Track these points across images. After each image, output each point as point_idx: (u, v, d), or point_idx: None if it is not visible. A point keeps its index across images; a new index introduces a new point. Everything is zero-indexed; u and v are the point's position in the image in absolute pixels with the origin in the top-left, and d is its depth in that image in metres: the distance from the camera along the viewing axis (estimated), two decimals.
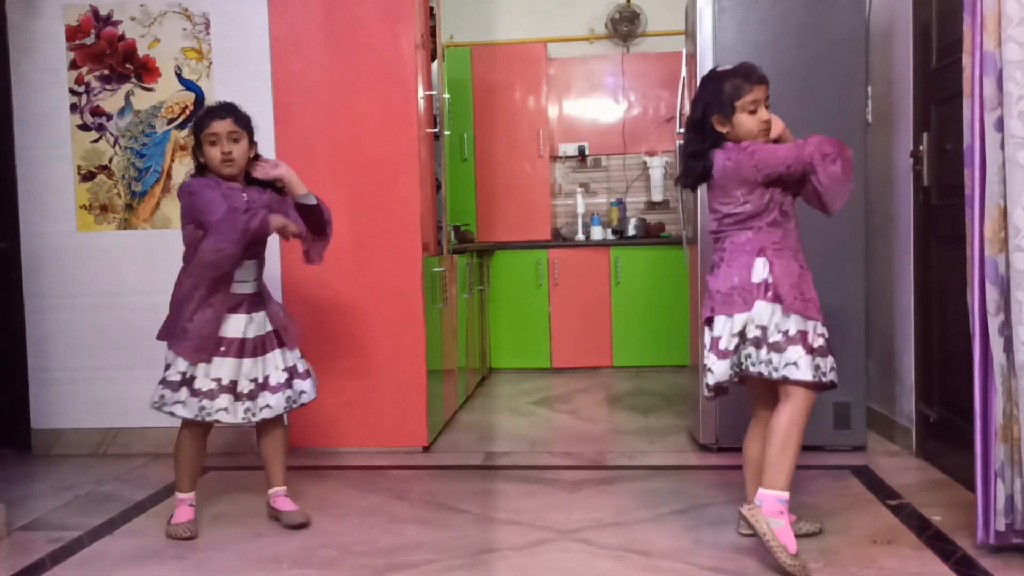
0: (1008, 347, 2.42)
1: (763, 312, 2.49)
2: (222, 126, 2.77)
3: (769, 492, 2.47)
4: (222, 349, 2.79)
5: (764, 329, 2.49)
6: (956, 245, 2.95)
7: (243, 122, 2.81)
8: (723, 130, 2.56)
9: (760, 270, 2.51)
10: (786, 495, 2.48)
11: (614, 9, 6.51)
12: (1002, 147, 2.38)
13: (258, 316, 2.87)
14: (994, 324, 2.43)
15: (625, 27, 6.50)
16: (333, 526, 2.94)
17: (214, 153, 2.77)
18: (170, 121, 3.94)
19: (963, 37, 2.49)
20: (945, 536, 2.69)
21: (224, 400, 2.79)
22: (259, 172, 2.84)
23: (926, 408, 3.56)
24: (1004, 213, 2.39)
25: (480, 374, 5.66)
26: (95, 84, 3.95)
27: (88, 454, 3.99)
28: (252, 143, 2.85)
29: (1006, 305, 2.41)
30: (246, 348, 2.83)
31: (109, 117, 3.96)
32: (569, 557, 2.63)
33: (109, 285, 3.97)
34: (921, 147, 3.51)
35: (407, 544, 2.76)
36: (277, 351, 2.90)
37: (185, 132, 3.93)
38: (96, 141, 3.97)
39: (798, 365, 2.46)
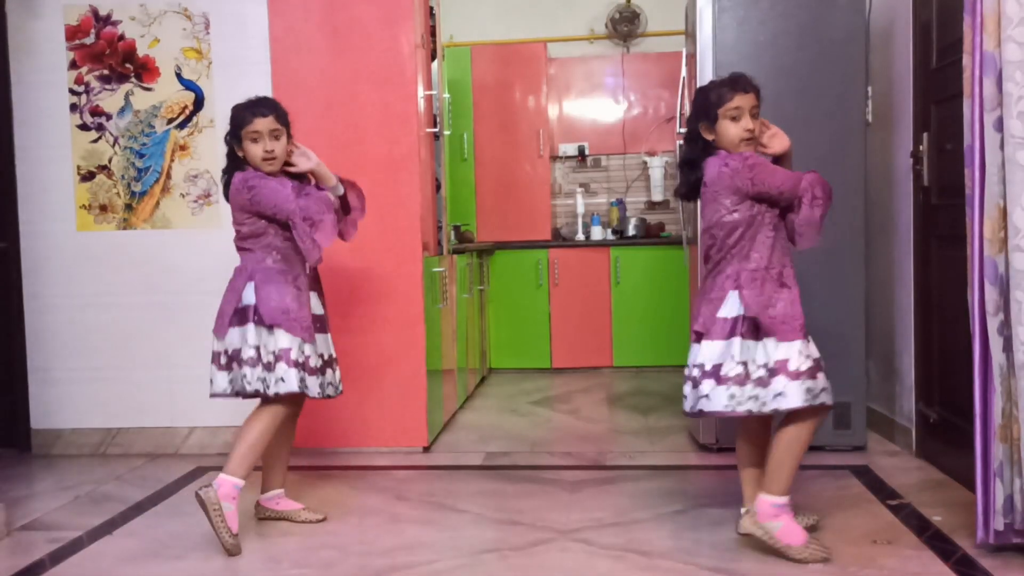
0: (1007, 347, 2.42)
1: (738, 348, 2.48)
2: (264, 124, 2.74)
3: (766, 497, 2.52)
4: (317, 325, 2.86)
5: (744, 364, 2.49)
6: (956, 245, 2.95)
7: (283, 119, 2.80)
8: (709, 137, 2.60)
9: (731, 306, 2.51)
10: (783, 499, 2.51)
11: (614, 9, 6.51)
12: (1002, 147, 2.38)
13: (315, 295, 2.91)
14: (994, 324, 2.43)
15: (625, 27, 6.50)
16: (333, 526, 2.94)
17: (256, 150, 2.75)
18: (170, 121, 3.94)
19: (963, 37, 2.49)
20: (945, 536, 2.69)
21: (329, 375, 2.88)
22: (292, 161, 2.83)
23: (926, 408, 3.56)
24: (1004, 213, 2.39)
25: (480, 374, 5.65)
26: (95, 84, 3.95)
27: (88, 454, 3.99)
28: (290, 137, 2.83)
29: (1005, 305, 2.41)
30: (322, 324, 2.90)
31: (109, 117, 3.96)
32: (569, 557, 2.63)
33: (109, 285, 3.97)
34: (921, 147, 3.51)
35: (407, 544, 2.76)
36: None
37: (185, 132, 3.93)
38: (96, 141, 3.97)
39: (785, 395, 2.45)
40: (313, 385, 2.79)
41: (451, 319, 4.56)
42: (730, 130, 2.55)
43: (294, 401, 2.84)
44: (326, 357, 2.89)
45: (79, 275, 3.98)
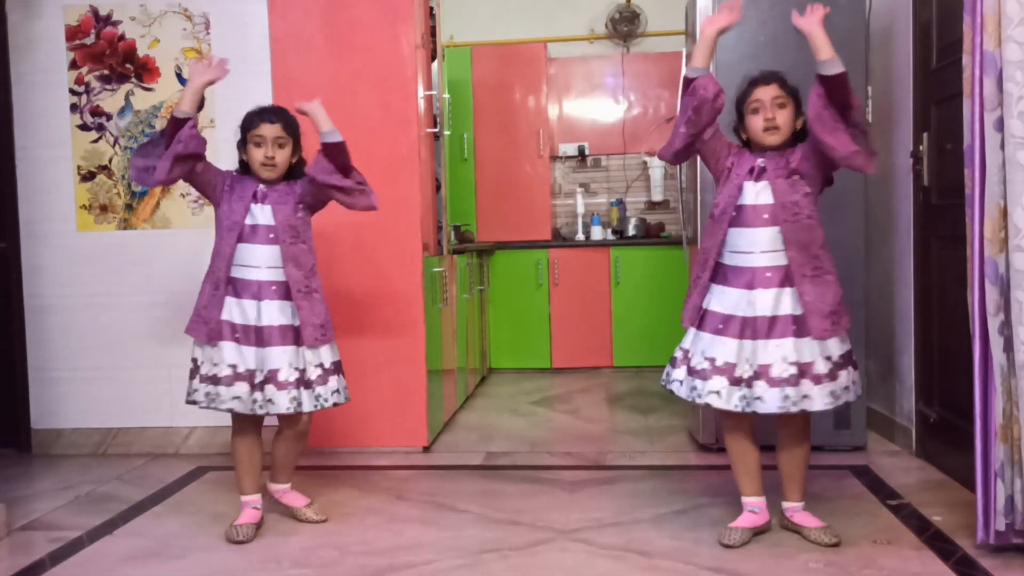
0: (1008, 347, 2.42)
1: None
2: (270, 130, 2.74)
3: (793, 504, 2.74)
4: (227, 333, 2.72)
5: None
6: (956, 245, 2.95)
7: (291, 128, 2.78)
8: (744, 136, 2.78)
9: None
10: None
11: (614, 9, 6.51)
12: (1002, 147, 2.38)
13: (273, 305, 2.74)
14: (994, 324, 2.43)
15: (625, 27, 6.50)
16: (333, 526, 2.94)
17: (257, 154, 2.75)
18: None
19: (963, 37, 2.49)
20: (945, 536, 2.69)
21: (240, 388, 2.71)
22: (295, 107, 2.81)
23: (926, 408, 3.56)
24: (1004, 213, 2.39)
25: (480, 374, 5.65)
26: (95, 84, 3.95)
27: (88, 454, 3.99)
28: (297, 148, 2.82)
29: (1006, 305, 2.41)
30: (251, 336, 2.73)
31: (109, 117, 3.96)
32: (569, 557, 2.63)
33: (109, 285, 3.97)
34: (921, 147, 3.51)
35: (407, 544, 2.76)
36: (291, 347, 2.75)
37: None
38: (96, 141, 3.97)
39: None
40: (226, 395, 2.69)
41: (451, 319, 4.56)
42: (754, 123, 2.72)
43: (230, 413, 2.79)
44: (258, 369, 2.73)
45: (79, 275, 3.98)
